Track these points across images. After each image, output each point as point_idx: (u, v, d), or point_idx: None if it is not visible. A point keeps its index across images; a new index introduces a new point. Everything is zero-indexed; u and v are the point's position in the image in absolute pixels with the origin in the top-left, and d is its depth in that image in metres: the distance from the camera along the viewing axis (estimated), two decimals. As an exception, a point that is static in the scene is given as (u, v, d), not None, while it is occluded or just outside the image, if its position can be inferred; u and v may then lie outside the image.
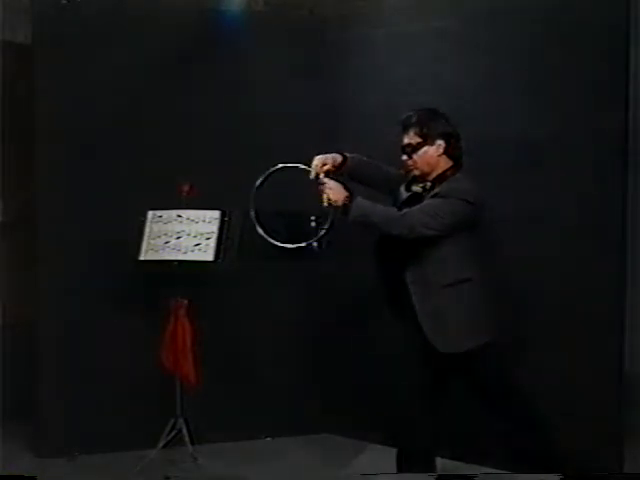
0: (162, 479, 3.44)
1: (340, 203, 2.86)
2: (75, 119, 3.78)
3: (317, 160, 3.00)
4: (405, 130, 2.96)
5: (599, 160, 3.36)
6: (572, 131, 3.41)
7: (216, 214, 3.64)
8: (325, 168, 2.99)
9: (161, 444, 3.66)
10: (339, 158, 3.05)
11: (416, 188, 2.99)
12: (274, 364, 4.05)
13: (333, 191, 2.88)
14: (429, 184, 2.95)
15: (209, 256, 3.57)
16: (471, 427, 3.49)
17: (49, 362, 3.81)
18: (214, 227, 3.62)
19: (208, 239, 3.60)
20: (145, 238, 3.65)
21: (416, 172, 2.97)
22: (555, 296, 3.45)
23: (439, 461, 3.10)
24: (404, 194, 3.04)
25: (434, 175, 2.95)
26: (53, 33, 3.76)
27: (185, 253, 3.59)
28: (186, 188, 3.66)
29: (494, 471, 3.47)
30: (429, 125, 2.94)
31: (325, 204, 2.88)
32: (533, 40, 3.48)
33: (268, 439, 4.09)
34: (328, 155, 3.03)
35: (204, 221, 3.64)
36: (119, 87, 3.81)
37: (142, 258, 3.63)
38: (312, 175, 2.97)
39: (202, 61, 3.90)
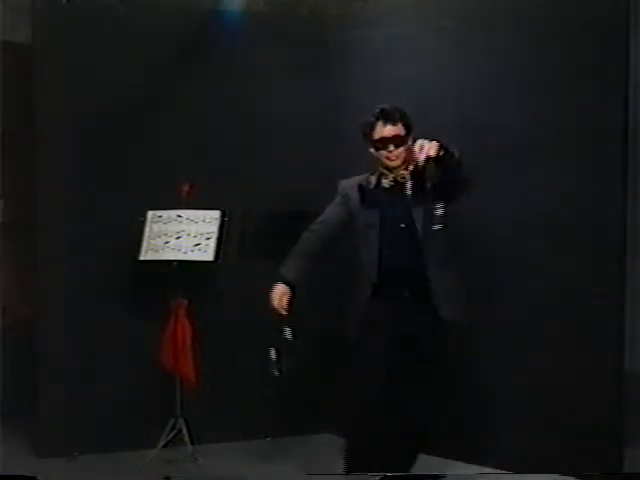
0: (162, 479, 3.44)
1: (440, 154, 2.68)
2: (75, 119, 3.78)
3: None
4: (391, 122, 2.95)
5: (599, 160, 3.36)
6: (572, 131, 3.40)
7: (216, 214, 3.65)
8: None
9: (161, 444, 3.67)
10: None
11: (387, 182, 3.00)
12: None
13: (431, 147, 2.67)
14: (407, 174, 2.96)
15: (209, 256, 3.58)
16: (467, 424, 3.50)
17: (49, 362, 3.81)
18: (214, 227, 3.63)
19: (208, 239, 3.61)
20: (145, 238, 3.66)
21: (397, 163, 2.98)
22: (555, 296, 3.44)
23: (437, 460, 3.09)
24: (379, 192, 3.02)
25: (403, 167, 2.98)
26: (53, 33, 3.76)
27: (185, 253, 3.60)
28: (186, 188, 3.67)
29: (494, 471, 3.47)
30: (409, 118, 2.98)
31: (421, 163, 2.70)
32: (533, 39, 3.48)
33: (268, 439, 4.09)
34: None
35: (204, 221, 3.65)
36: (119, 87, 3.81)
37: (142, 258, 3.63)
38: None
39: (202, 61, 3.90)
